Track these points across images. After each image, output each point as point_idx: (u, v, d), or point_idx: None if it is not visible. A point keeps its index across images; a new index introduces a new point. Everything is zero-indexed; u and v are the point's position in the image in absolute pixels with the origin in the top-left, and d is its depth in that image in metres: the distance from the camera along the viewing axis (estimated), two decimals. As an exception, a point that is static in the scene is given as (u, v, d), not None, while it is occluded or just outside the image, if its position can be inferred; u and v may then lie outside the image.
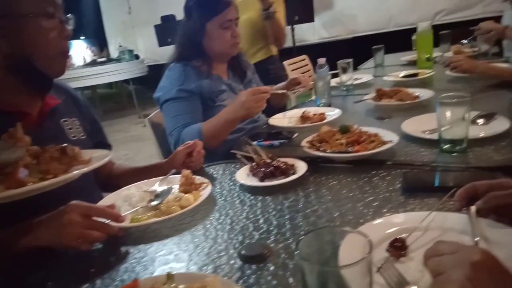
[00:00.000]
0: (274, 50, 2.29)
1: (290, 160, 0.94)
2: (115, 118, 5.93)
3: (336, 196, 0.77)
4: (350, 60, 1.79)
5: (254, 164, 0.95)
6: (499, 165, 0.80)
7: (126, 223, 0.74)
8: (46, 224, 0.68)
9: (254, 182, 0.88)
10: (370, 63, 2.54)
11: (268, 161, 0.94)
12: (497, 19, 2.22)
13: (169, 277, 0.51)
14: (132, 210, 0.78)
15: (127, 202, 0.81)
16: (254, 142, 1.16)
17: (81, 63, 6.35)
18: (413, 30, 2.15)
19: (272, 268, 0.57)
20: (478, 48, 2.07)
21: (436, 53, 2.25)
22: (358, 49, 5.17)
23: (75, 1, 7.08)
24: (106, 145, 1.10)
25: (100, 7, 6.99)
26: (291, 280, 0.54)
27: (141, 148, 4.08)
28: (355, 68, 2.58)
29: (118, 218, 0.71)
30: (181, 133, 1.23)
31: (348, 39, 5.03)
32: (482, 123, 1.02)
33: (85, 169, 0.68)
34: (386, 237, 0.57)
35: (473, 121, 1.02)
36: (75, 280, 0.63)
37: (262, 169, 0.89)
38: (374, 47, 2.39)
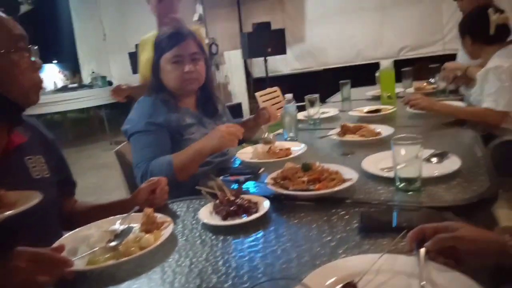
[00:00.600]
0: None
1: (254, 198, 0.95)
2: (86, 144, 5.79)
3: (295, 236, 0.79)
4: (317, 95, 1.86)
5: (217, 201, 0.95)
6: (449, 205, 0.84)
7: (81, 266, 0.72)
8: None
9: (216, 221, 0.88)
10: (338, 96, 2.63)
11: (232, 198, 0.95)
12: (454, 56, 2.39)
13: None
14: (89, 252, 0.77)
15: (85, 243, 0.79)
16: (220, 177, 1.17)
17: (52, 87, 6.24)
18: (379, 64, 2.27)
19: (227, 314, 0.57)
20: (437, 85, 2.20)
21: (399, 89, 2.37)
22: (328, 80, 5.37)
23: (49, 25, 7.04)
24: (70, 183, 1.08)
25: (74, 32, 6.96)
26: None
27: (110, 176, 3.98)
28: (324, 101, 2.68)
29: (65, 263, 0.68)
30: (149, 165, 1.22)
31: (319, 71, 5.22)
32: (435, 161, 1.07)
33: (8, 213, 0.67)
34: (339, 281, 0.58)
35: (428, 160, 1.07)
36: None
37: (225, 207, 0.90)
38: (341, 81, 2.49)
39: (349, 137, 1.45)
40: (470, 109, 1.66)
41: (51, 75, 6.94)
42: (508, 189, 1.78)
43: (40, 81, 0.89)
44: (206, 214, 0.92)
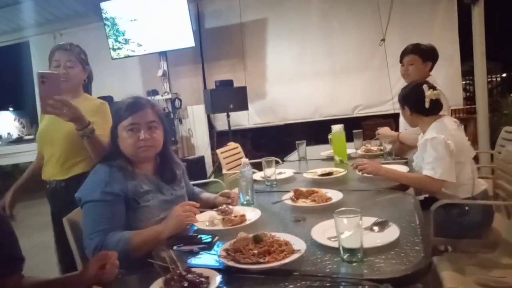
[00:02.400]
0: None
1: (205, 272, 0.97)
2: (37, 198, 5.48)
3: (243, 314, 0.81)
4: (273, 158, 1.96)
5: (168, 276, 0.96)
6: (387, 277, 0.91)
7: None
8: None
9: (167, 299, 0.89)
10: (295, 155, 2.75)
11: (184, 273, 0.96)
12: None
13: None
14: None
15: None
16: (175, 247, 1.19)
17: (6, 137, 6.01)
18: (337, 120, 2.43)
19: None
20: (383, 147, 2.38)
21: (351, 149, 2.53)
22: (289, 133, 5.59)
23: (7, 69, 6.90)
24: (18, 259, 1.03)
25: (34, 83, 6.86)
26: None
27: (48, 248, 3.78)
28: (283, 159, 2.79)
29: None
30: (106, 239, 1.20)
31: (280, 125, 5.44)
32: (377, 230, 1.15)
33: None
34: None
35: (370, 228, 1.15)
36: None
37: (176, 284, 0.91)
38: (297, 142, 2.63)
39: (301, 202, 1.52)
40: (412, 175, 1.81)
41: (6, 124, 6.70)
42: (452, 250, 1.91)
43: None
44: (157, 292, 0.92)
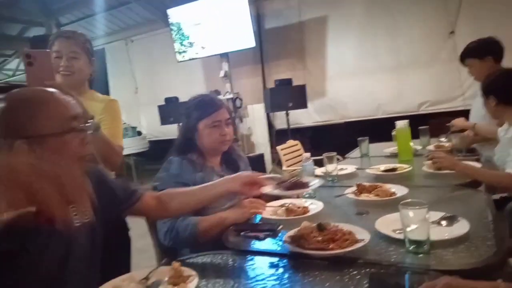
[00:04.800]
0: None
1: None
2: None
3: (309, 294, 0.86)
4: (334, 153, 1.96)
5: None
6: (456, 268, 0.89)
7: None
8: None
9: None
10: (357, 152, 2.72)
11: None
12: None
13: None
14: (124, 302, 0.86)
15: (120, 294, 0.88)
16: (242, 233, 1.26)
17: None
18: (401, 117, 2.35)
19: None
20: (453, 143, 2.26)
21: (417, 146, 2.45)
22: (349, 131, 5.49)
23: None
24: (131, 193, 1.19)
25: (109, 86, 7.48)
26: None
27: (134, 223, 4.10)
28: (344, 156, 2.77)
29: None
30: (176, 222, 1.33)
31: (340, 123, 5.35)
32: (445, 224, 1.13)
33: None
34: None
35: (438, 223, 1.13)
36: None
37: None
38: (359, 138, 2.59)
39: (364, 197, 1.52)
40: (493, 172, 1.69)
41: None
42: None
43: (87, 154, 0.96)
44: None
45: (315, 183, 1.32)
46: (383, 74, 4.95)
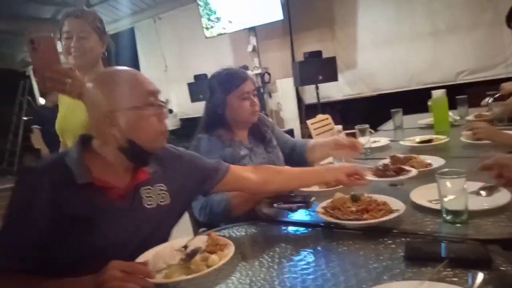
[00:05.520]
0: None
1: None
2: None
3: (343, 262, 0.87)
4: (367, 125, 1.93)
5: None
6: (495, 237, 0.87)
7: (159, 279, 0.86)
8: (90, 279, 0.81)
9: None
10: (390, 124, 2.65)
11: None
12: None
13: None
14: (165, 267, 0.91)
15: (162, 260, 0.93)
16: (275, 205, 1.29)
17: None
18: (436, 87, 2.25)
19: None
20: (494, 113, 2.16)
21: (454, 116, 2.35)
22: (381, 105, 5.32)
23: (119, 58, 7.76)
24: (212, 171, 1.20)
25: (139, 65, 7.62)
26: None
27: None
28: (376, 128, 2.71)
29: (149, 274, 0.83)
30: (210, 198, 1.36)
31: (371, 96, 5.21)
32: (485, 194, 1.09)
33: None
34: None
35: (477, 193, 1.10)
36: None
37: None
38: (392, 110, 2.52)
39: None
40: None
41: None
42: None
43: (165, 130, 1.02)
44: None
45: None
46: (418, 42, 4.71)
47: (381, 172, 1.35)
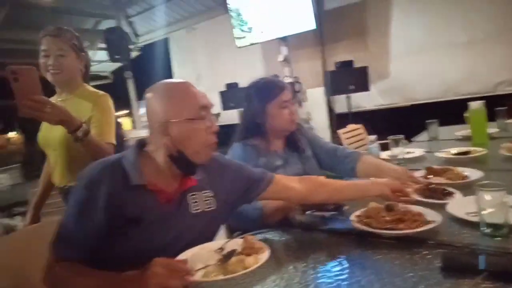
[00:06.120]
0: None
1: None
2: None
3: (378, 270, 0.88)
4: (402, 136, 1.91)
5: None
6: (538, 252, 0.85)
7: (198, 278, 0.90)
8: (135, 274, 0.86)
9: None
10: (424, 135, 2.60)
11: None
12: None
13: None
14: (203, 267, 0.95)
15: (200, 260, 0.97)
16: (308, 212, 1.31)
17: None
18: (474, 98, 2.19)
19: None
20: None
21: (493, 129, 2.28)
22: (414, 116, 5.21)
23: (153, 67, 8.03)
24: (256, 181, 1.21)
25: (172, 74, 7.85)
26: None
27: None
28: (410, 139, 2.67)
29: (189, 272, 0.87)
30: (243, 207, 1.39)
31: (404, 107, 5.11)
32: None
33: None
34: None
35: (518, 206, 1.07)
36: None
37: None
38: (427, 121, 2.48)
39: (435, 180, 1.47)
40: None
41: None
42: None
43: (214, 143, 1.06)
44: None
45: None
46: (455, 51, 4.59)
47: (430, 193, 1.29)
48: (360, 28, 5.24)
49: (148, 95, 1.06)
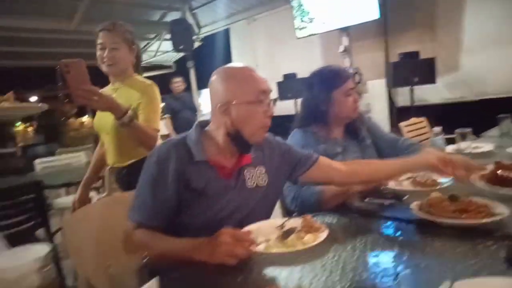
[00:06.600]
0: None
1: None
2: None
3: (438, 256, 0.88)
4: (469, 129, 1.83)
5: None
6: None
7: (261, 249, 0.97)
8: (205, 243, 0.96)
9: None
10: (495, 131, 2.45)
11: None
12: None
13: None
14: (264, 241, 1.01)
15: (262, 234, 1.04)
16: (367, 199, 1.32)
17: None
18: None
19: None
20: None
21: None
22: (483, 111, 4.85)
23: (214, 56, 8.28)
24: (304, 159, 1.29)
25: (231, 62, 8.04)
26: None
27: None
28: (478, 134, 2.52)
29: (253, 242, 0.95)
30: (301, 191, 1.44)
31: (473, 101, 4.78)
32: None
33: None
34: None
35: None
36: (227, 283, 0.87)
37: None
38: (499, 115, 2.33)
39: (504, 173, 1.40)
40: None
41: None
42: None
43: (267, 126, 1.14)
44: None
45: None
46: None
47: (497, 179, 1.22)
48: (429, 17, 4.97)
49: (213, 77, 1.15)
